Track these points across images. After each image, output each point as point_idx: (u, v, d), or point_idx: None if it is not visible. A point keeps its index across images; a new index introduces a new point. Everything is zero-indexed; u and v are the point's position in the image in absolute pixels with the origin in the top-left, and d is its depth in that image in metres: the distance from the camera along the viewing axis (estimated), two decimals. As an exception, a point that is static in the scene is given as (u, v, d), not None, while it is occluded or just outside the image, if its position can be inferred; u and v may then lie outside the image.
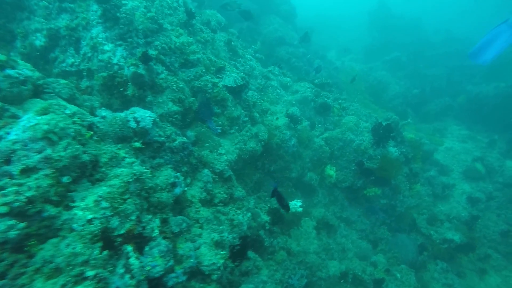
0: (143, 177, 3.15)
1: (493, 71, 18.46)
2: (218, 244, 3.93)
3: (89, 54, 4.59)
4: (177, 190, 3.90)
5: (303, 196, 7.27)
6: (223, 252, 3.89)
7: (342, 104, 8.84)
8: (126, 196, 2.90)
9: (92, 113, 3.89)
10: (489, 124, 16.16)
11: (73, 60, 4.75)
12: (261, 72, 7.25)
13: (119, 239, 2.78)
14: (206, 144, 4.83)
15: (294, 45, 14.52)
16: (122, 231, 2.77)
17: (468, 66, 19.56)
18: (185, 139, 4.37)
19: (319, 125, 7.58)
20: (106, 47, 4.36)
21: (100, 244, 2.59)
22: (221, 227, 4.18)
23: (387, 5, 21.90)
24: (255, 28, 14.31)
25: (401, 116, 16.18)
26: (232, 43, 6.90)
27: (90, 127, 3.35)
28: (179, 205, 4.17)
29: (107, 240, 2.74)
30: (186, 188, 4.25)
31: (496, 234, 10.22)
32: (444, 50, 20.48)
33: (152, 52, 4.51)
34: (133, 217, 2.88)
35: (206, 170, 4.59)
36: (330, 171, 7.81)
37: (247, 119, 5.49)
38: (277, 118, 6.53)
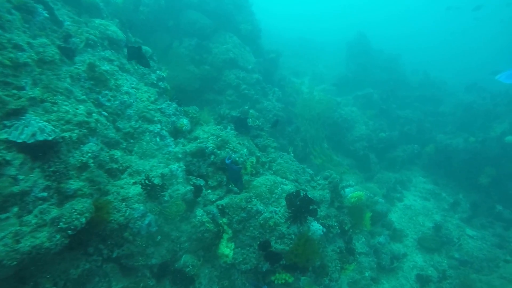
0: None
1: (467, 121, 17.19)
2: None
3: None
4: None
5: (174, 287, 5.28)
6: None
7: (264, 157, 6.98)
8: None
9: None
10: (456, 179, 14.68)
11: None
12: (139, 110, 5.33)
13: None
14: None
15: (248, 70, 12.77)
16: None
17: (442, 113, 18.29)
18: None
19: (209, 190, 5.66)
20: None
21: None
22: None
23: (367, 37, 20.72)
24: (205, 45, 12.51)
25: (362, 163, 14.60)
26: (97, 69, 4.97)
27: None
28: None
29: None
30: None
31: (443, 329, 8.42)
32: (420, 93, 19.25)
33: None
34: None
35: None
36: (226, 249, 5.87)
37: (45, 194, 3.52)
38: (134, 183, 4.58)
